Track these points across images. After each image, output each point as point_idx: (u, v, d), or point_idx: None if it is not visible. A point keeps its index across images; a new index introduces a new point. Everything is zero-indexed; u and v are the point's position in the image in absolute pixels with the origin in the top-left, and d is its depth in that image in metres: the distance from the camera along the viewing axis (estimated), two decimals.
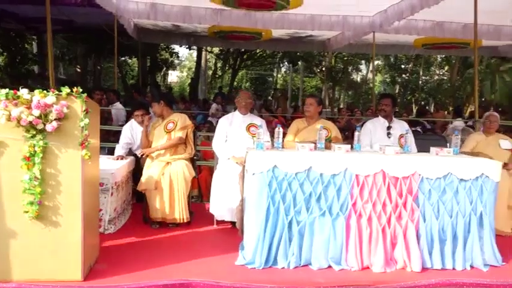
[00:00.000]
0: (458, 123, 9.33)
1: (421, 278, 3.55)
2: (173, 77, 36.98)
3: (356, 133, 4.27)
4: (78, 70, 19.23)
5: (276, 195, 3.65)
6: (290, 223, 3.67)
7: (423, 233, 3.77)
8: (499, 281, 3.57)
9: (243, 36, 10.79)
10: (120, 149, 5.32)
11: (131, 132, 5.43)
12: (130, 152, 5.43)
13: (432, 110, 18.12)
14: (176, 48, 20.20)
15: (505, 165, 4.78)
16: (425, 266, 3.74)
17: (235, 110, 5.22)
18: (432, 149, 4.22)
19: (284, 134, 4.61)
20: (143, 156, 4.90)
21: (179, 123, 4.89)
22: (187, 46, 17.98)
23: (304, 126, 4.92)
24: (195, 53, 27.82)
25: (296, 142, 4.34)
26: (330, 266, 3.67)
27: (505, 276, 3.67)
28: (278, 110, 12.38)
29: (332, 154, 3.88)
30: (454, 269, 3.78)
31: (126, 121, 6.60)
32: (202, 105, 13.12)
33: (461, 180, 3.83)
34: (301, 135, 4.82)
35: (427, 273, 3.67)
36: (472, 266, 3.84)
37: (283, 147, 4.19)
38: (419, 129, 8.55)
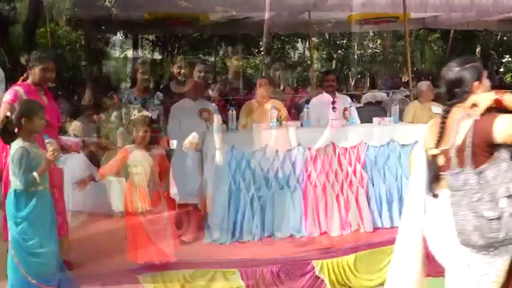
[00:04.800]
0: (369, 94, 9.93)
1: (374, 237, 3.91)
2: (108, 67, 35.91)
3: (305, 110, 4.54)
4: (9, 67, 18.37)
5: (237, 174, 3.86)
6: (252, 199, 3.90)
7: (372, 196, 4.13)
8: None
9: (180, 21, 10.73)
10: None
11: None
12: None
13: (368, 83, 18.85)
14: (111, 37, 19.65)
15: None
16: (377, 226, 4.11)
17: None
18: (375, 119, 4.56)
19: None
20: None
21: None
22: (122, 35, 17.62)
23: (256, 107, 5.13)
24: (127, 41, 27.11)
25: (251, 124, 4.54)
26: (291, 235, 3.95)
27: None
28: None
29: (285, 131, 4.13)
30: None
31: None
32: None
33: (403, 145, 4.20)
34: (254, 116, 5.02)
35: (378, 232, 4.04)
36: None
37: (237, 128, 4.39)
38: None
